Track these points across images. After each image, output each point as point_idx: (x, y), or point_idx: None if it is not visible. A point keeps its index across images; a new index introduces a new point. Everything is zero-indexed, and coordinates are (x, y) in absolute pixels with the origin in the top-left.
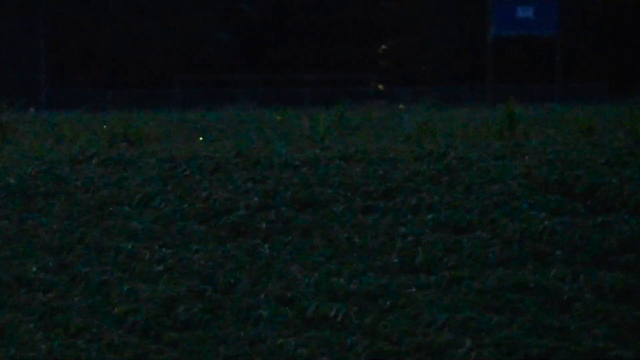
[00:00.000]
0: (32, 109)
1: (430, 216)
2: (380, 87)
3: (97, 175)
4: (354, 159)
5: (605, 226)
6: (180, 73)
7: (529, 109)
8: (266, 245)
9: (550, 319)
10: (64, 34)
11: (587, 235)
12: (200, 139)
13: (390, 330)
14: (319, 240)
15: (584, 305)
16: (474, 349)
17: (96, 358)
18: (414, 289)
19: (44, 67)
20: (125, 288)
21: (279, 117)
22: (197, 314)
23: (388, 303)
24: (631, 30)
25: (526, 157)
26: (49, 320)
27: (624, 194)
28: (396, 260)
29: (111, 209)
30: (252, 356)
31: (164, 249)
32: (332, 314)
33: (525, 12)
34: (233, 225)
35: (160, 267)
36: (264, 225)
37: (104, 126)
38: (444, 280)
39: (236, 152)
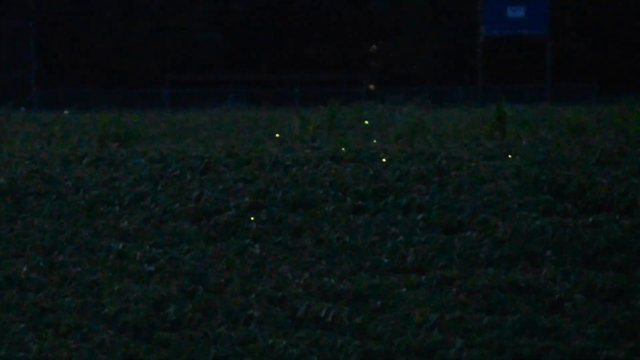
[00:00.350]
0: (23, 109)
1: (420, 216)
2: (371, 87)
3: (88, 175)
4: (345, 159)
5: (595, 226)
6: (170, 73)
7: (520, 109)
8: (257, 245)
9: (540, 318)
10: (55, 35)
11: (578, 235)
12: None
13: (381, 331)
14: (310, 240)
15: (574, 305)
16: (465, 349)
17: (87, 358)
18: (404, 289)
19: (35, 68)
20: (115, 288)
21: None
22: (188, 314)
23: (378, 303)
24: (622, 30)
25: (517, 157)
26: (40, 320)
27: (615, 194)
28: (387, 260)
29: (102, 209)
30: (243, 356)
31: (154, 249)
32: (323, 314)
33: (516, 13)
34: (224, 225)
35: (151, 267)
36: (254, 225)
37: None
38: (435, 281)
39: (227, 152)
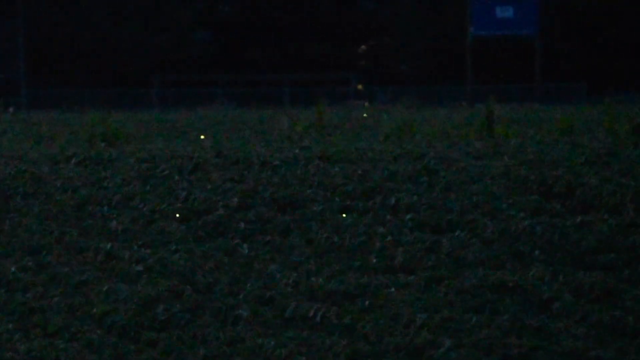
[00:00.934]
0: (11, 109)
1: (409, 216)
2: (360, 87)
3: (76, 175)
4: (333, 159)
5: (584, 226)
6: (159, 73)
7: (508, 108)
8: (245, 245)
9: (529, 319)
10: (44, 35)
11: (566, 235)
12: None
13: (369, 330)
14: (298, 240)
15: (562, 305)
16: (453, 349)
17: (75, 358)
18: (393, 289)
19: (24, 67)
20: (104, 288)
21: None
22: (176, 314)
23: (367, 303)
24: (610, 30)
25: (505, 157)
26: (28, 320)
27: (603, 194)
28: (375, 260)
29: (90, 208)
30: (231, 356)
31: (143, 249)
32: (311, 314)
33: (504, 12)
34: (212, 225)
35: (140, 267)
36: (243, 225)
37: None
38: (423, 280)
39: (215, 152)
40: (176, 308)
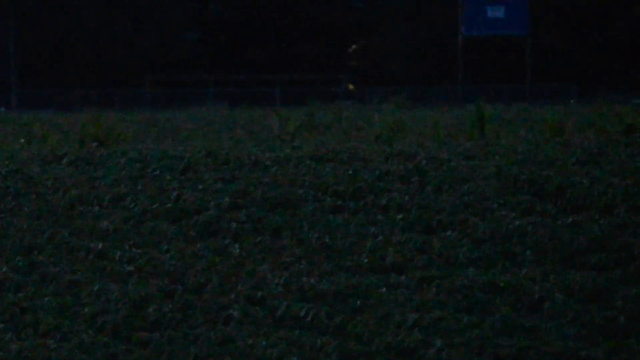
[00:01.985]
0: (2, 109)
1: (400, 216)
2: (351, 87)
3: (68, 175)
4: (324, 159)
5: (575, 226)
6: (150, 73)
7: (499, 108)
8: (236, 245)
9: (520, 319)
10: (35, 35)
11: (557, 235)
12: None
13: (360, 330)
14: (289, 240)
15: (554, 305)
16: (444, 349)
17: (66, 358)
18: (384, 289)
19: (15, 68)
20: (95, 288)
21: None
22: (167, 314)
23: (358, 303)
24: (601, 31)
25: (496, 157)
26: (19, 320)
27: (594, 194)
28: (366, 260)
29: (81, 208)
30: (223, 356)
31: (134, 249)
32: (302, 314)
33: (495, 13)
34: (203, 225)
35: (131, 267)
36: (234, 225)
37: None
38: (414, 280)
39: (206, 152)
40: (167, 308)
